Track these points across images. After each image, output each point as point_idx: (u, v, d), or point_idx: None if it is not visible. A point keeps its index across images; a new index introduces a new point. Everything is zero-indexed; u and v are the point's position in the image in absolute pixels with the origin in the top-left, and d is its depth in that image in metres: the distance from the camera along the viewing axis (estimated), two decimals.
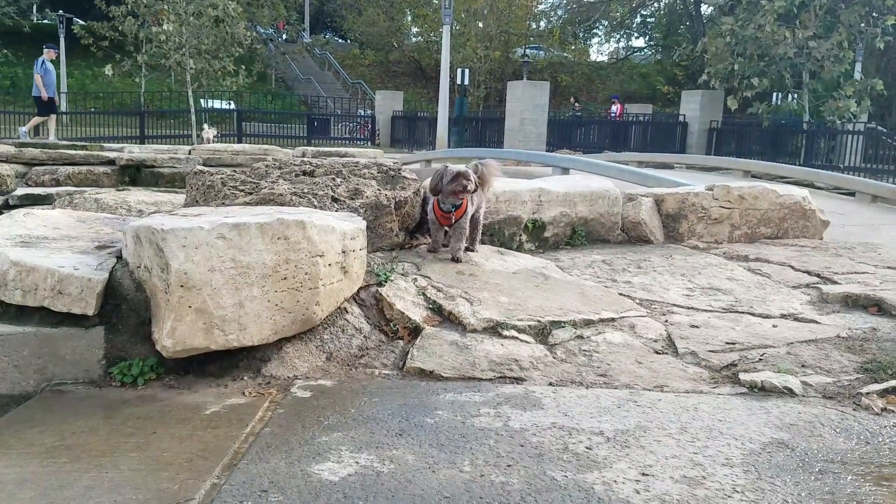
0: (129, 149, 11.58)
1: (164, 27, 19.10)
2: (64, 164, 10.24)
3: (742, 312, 3.56)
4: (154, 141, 21.20)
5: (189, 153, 10.93)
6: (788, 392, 2.64)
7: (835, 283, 4.04)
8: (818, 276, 4.19)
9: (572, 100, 32.14)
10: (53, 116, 17.09)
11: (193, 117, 20.98)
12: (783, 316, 3.51)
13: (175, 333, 2.62)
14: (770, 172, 12.72)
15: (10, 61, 34.02)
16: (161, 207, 4.67)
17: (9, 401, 2.69)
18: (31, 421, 2.44)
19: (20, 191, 9.59)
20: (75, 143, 12.65)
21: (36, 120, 16.98)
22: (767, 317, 3.49)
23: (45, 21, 39.06)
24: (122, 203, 5.18)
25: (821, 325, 3.38)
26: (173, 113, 25.85)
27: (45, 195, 9.25)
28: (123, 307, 2.81)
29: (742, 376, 2.76)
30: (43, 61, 16.42)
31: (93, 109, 24.13)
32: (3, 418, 2.53)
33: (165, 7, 19.48)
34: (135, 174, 9.96)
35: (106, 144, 12.48)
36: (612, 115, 26.48)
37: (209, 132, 19.30)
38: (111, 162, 10.15)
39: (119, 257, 2.95)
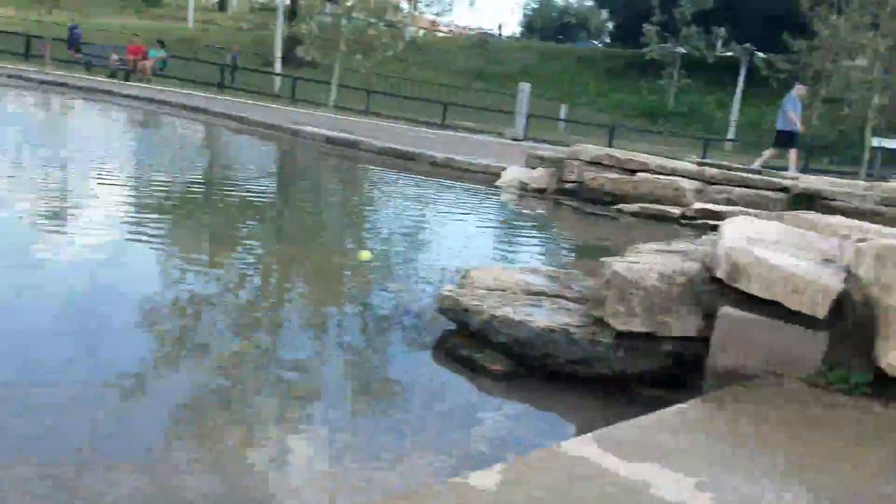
0: (805, 178, 11.68)
1: (858, 62, 18.53)
2: (738, 186, 10.89)
3: None
4: (814, 173, 20.85)
5: (865, 189, 10.49)
6: None
7: None
8: None
9: None
10: (794, 150, 17.26)
11: (866, 154, 19.92)
12: None
13: None
14: None
15: (690, 90, 37.48)
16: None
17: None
18: (753, 397, 2.79)
19: (697, 205, 10.61)
20: (749, 168, 13.35)
21: (770, 153, 17.44)
22: None
23: (728, 54, 41.77)
24: (838, 225, 5.32)
25: None
26: (837, 146, 25.01)
27: (717, 211, 10.07)
28: (848, 318, 2.95)
29: None
30: (794, 97, 17.07)
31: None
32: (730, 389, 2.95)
33: (864, 42, 18.88)
34: (806, 203, 10.02)
35: (779, 172, 12.82)
36: None
37: None
38: (784, 189, 10.42)
39: (848, 272, 3.10)
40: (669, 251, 3.94)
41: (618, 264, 3.45)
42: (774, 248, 3.49)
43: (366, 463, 2.61)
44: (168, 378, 3.28)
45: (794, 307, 3.00)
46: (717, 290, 3.38)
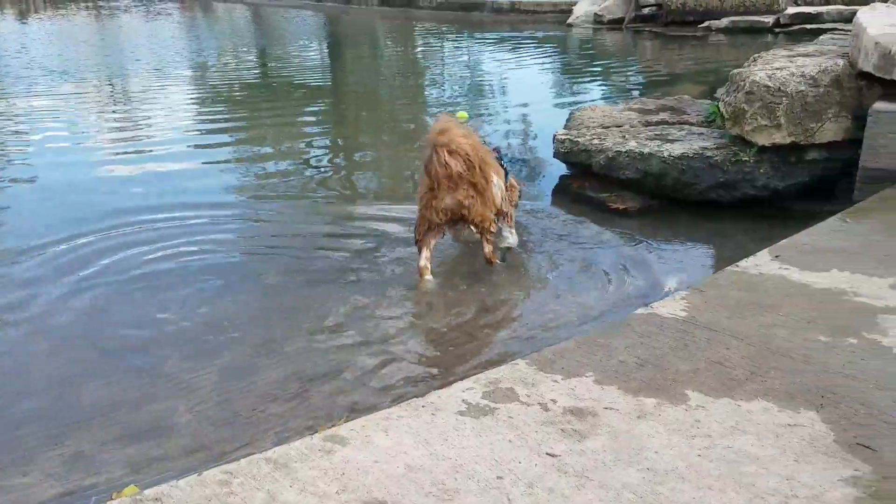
0: None
1: None
2: None
3: None
4: None
5: None
6: None
7: None
8: None
9: None
10: None
11: None
12: None
13: None
14: None
15: None
16: None
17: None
18: None
19: (791, 10, 9.93)
20: None
21: None
22: None
23: None
24: None
25: None
26: None
27: (816, 14, 9.53)
28: None
29: None
30: None
31: None
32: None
33: None
34: None
35: None
36: None
37: None
38: None
39: None
40: (799, 55, 3.63)
41: (757, 74, 3.21)
42: None
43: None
44: None
45: None
46: (865, 85, 3.12)
